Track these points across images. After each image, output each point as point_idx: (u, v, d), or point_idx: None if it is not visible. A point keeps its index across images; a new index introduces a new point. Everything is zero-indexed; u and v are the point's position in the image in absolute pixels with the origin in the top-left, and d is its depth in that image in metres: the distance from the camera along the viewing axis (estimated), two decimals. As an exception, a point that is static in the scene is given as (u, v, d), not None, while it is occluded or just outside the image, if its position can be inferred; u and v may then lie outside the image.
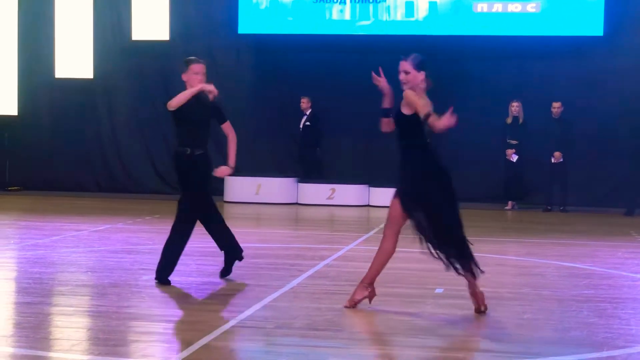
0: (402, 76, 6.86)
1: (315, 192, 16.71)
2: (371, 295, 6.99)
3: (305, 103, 17.33)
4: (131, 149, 18.36)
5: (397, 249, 6.85)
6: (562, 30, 16.44)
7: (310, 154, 17.21)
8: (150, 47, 17.72)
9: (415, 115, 6.72)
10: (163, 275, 7.83)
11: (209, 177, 7.98)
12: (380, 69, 7.00)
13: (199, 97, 7.81)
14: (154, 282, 7.88)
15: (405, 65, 6.87)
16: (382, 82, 6.94)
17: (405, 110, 6.81)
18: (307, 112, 17.35)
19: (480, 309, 6.86)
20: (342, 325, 6.41)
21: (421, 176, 6.80)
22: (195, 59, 7.97)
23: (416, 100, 6.71)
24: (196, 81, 7.82)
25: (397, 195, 6.88)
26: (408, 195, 6.81)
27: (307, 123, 17.16)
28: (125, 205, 15.88)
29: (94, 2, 17.82)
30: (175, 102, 7.70)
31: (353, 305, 6.95)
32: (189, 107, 7.75)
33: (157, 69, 17.90)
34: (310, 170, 17.30)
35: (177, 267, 8.20)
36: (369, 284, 6.97)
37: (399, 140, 6.92)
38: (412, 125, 6.77)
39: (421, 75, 6.85)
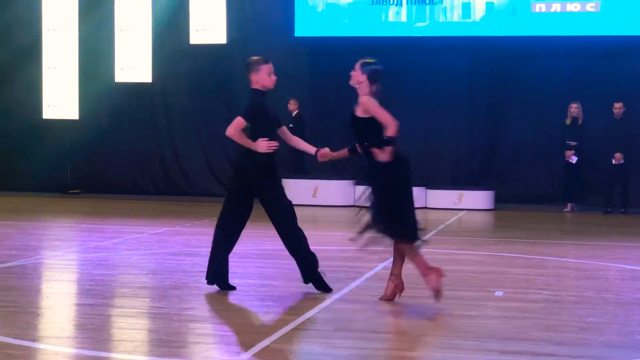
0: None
1: (372, 194, 16.60)
2: None
3: (292, 105, 17.18)
4: (189, 152, 18.53)
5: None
6: (622, 30, 16.20)
7: (295, 155, 16.03)
8: (208, 50, 17.86)
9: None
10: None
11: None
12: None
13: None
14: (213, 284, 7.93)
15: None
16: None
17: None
18: (294, 114, 17.16)
19: None
20: (403, 328, 6.38)
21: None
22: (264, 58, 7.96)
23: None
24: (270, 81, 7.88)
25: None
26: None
27: (291, 125, 15.55)
28: (183, 208, 16.02)
29: (152, 7, 18.02)
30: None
31: None
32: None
33: (215, 73, 18.06)
34: (295, 171, 17.02)
35: (236, 270, 8.25)
36: None
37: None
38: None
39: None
